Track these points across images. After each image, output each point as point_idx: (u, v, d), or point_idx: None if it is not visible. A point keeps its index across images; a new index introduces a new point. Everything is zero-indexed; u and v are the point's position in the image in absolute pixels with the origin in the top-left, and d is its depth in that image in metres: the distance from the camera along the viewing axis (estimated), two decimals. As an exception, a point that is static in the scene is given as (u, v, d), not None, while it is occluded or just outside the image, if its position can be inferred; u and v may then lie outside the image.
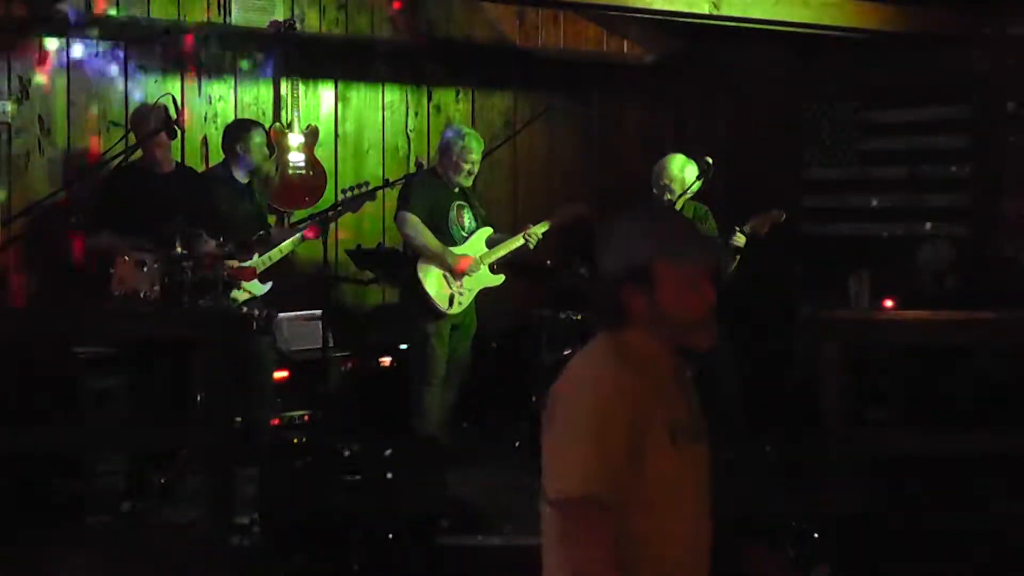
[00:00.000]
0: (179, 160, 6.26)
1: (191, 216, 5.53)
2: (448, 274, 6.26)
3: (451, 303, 6.26)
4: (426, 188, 6.32)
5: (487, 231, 6.53)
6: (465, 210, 6.44)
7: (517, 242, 6.51)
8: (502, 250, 6.49)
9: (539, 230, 6.54)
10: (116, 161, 5.84)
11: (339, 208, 6.17)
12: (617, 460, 2.12)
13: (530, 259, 6.97)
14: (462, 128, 6.51)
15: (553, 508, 2.14)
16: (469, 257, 6.35)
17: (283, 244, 6.18)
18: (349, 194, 6.15)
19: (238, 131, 6.32)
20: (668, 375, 2.29)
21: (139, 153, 5.74)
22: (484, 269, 6.43)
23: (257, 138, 6.27)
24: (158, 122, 5.57)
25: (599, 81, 8.27)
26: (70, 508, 5.17)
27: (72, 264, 6.07)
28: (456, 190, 6.41)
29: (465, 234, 6.40)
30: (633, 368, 2.22)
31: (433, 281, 6.23)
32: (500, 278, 6.51)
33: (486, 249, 6.48)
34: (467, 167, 6.35)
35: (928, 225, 6.96)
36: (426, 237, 6.21)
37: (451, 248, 6.29)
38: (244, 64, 7.07)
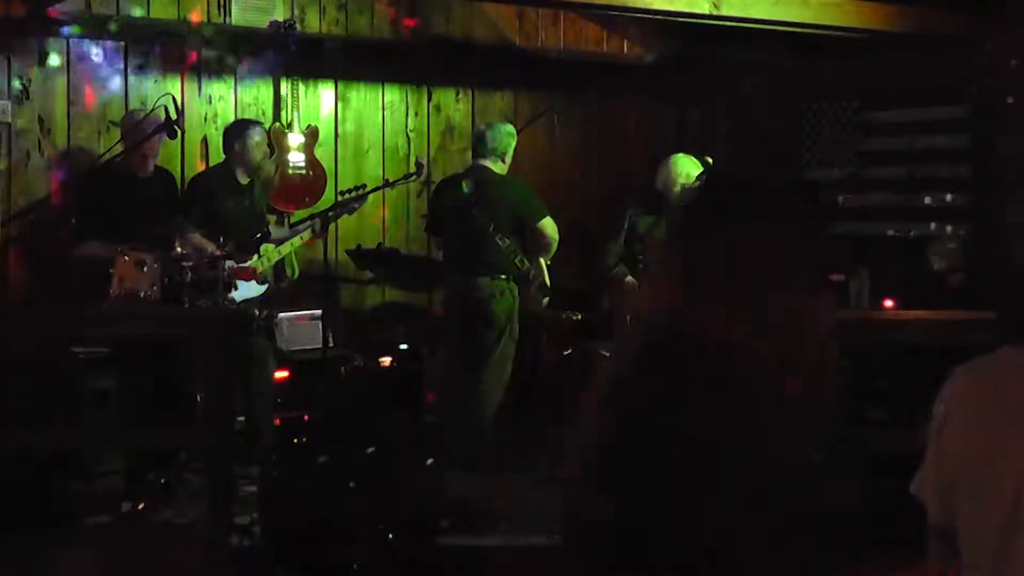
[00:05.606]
0: (180, 161, 6.28)
1: (168, 218, 5.58)
2: None
3: None
4: None
5: None
6: None
7: None
8: None
9: None
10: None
11: (334, 212, 6.18)
12: None
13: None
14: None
15: None
16: None
17: (284, 244, 6.19)
18: (349, 195, 6.16)
19: (237, 130, 6.35)
20: None
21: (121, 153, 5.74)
22: None
23: (256, 137, 6.32)
24: (150, 127, 5.59)
25: (599, 81, 8.26)
26: (70, 508, 5.18)
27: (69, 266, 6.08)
28: None
29: None
30: None
31: None
32: None
33: None
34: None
35: (932, 225, 6.95)
36: None
37: None
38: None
